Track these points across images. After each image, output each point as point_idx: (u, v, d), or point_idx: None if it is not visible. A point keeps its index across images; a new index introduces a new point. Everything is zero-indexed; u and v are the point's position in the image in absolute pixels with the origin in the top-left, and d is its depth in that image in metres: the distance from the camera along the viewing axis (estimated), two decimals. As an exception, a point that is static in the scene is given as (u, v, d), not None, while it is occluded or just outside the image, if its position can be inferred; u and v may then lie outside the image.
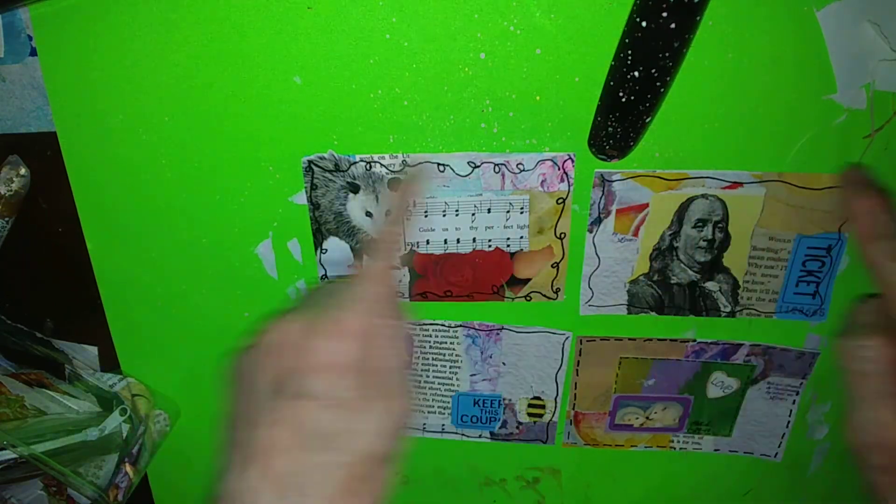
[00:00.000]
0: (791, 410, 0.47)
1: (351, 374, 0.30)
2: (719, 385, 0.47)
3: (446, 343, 0.47)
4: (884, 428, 0.32)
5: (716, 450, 0.50)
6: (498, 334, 0.46)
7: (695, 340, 0.45)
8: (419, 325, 0.47)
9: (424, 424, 0.51)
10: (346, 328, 0.31)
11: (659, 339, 0.46)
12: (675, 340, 0.46)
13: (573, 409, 0.49)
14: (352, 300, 0.32)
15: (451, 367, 0.48)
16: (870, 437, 0.33)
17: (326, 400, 0.30)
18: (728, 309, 0.44)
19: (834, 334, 0.44)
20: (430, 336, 0.47)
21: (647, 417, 0.49)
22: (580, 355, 0.47)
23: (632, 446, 0.50)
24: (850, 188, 0.37)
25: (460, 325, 0.46)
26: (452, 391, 0.49)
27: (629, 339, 0.46)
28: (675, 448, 0.50)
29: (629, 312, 0.45)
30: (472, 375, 0.48)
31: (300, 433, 0.29)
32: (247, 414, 0.32)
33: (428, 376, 0.49)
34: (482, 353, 0.47)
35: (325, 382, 0.30)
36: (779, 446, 0.49)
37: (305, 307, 0.33)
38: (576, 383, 0.48)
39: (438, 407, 0.50)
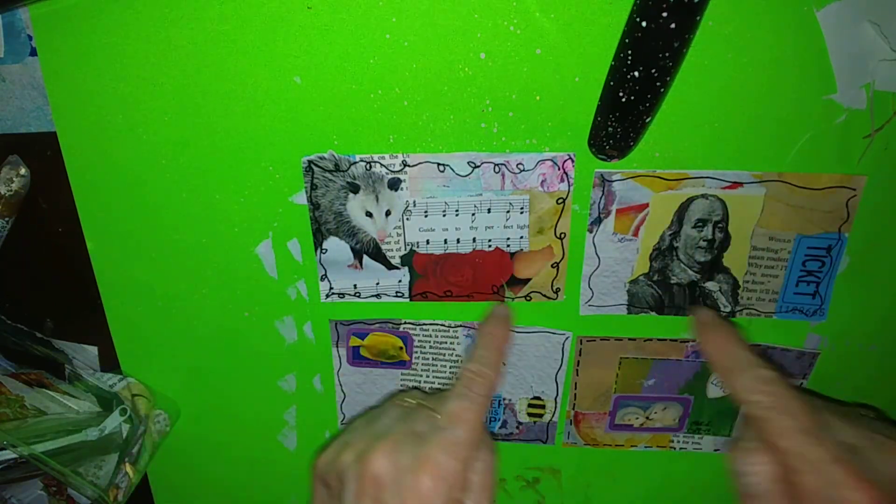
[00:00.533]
0: None
1: None
2: (719, 385, 0.47)
3: (446, 343, 0.47)
4: None
5: (716, 450, 0.50)
6: None
7: (695, 340, 0.45)
8: (418, 325, 0.47)
9: None
10: (441, 469, 0.32)
11: (659, 339, 0.46)
12: (675, 340, 0.46)
13: (573, 409, 0.49)
14: (443, 441, 0.33)
15: (451, 368, 0.48)
16: None
17: None
18: (728, 309, 0.44)
19: (834, 334, 0.44)
20: (430, 336, 0.47)
21: (647, 417, 0.49)
22: (580, 355, 0.47)
23: (632, 446, 0.50)
24: (700, 327, 0.38)
25: (460, 325, 0.46)
26: None
27: (629, 339, 0.46)
28: (675, 448, 0.50)
29: (629, 312, 0.45)
30: None
31: None
32: None
33: (428, 376, 0.49)
34: None
35: None
36: None
37: (387, 433, 0.35)
38: (576, 383, 0.48)
39: None
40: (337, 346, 0.48)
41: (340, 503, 0.34)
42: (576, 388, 0.48)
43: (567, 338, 0.46)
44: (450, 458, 0.32)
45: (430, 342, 0.47)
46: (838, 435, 0.32)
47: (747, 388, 0.34)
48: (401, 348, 0.48)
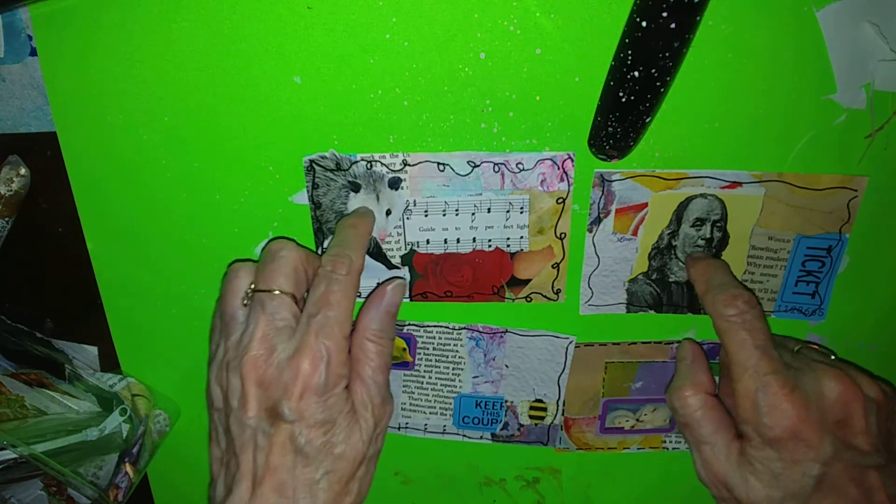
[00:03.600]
0: None
1: (330, 393, 0.34)
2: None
3: (450, 345, 0.47)
4: (709, 466, 0.38)
5: None
6: (502, 337, 0.46)
7: (680, 342, 0.45)
8: (423, 326, 0.47)
9: (426, 425, 0.51)
10: (316, 351, 0.34)
11: (643, 343, 0.46)
12: (660, 343, 0.46)
13: (562, 414, 0.49)
14: (314, 325, 0.35)
15: (453, 369, 0.48)
16: (704, 476, 0.39)
17: (312, 420, 0.34)
18: (728, 308, 0.44)
19: (834, 334, 0.44)
20: (434, 338, 0.47)
21: (638, 420, 0.49)
22: None
23: (624, 448, 0.50)
24: (691, 261, 0.42)
25: (464, 328, 0.46)
26: (455, 393, 0.49)
27: (613, 343, 0.46)
28: (667, 448, 0.50)
29: (628, 311, 0.45)
30: (474, 377, 0.48)
31: (291, 452, 0.34)
32: (240, 439, 0.35)
33: (431, 378, 0.49)
34: (485, 355, 0.47)
35: (309, 405, 0.34)
36: None
37: (254, 333, 0.35)
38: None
39: (440, 408, 0.50)
40: None
41: (228, 419, 0.36)
42: (564, 394, 0.48)
43: (570, 342, 0.46)
44: (323, 339, 0.34)
45: (433, 344, 0.47)
46: (784, 356, 0.37)
47: (721, 301, 0.37)
48: (404, 349, 0.48)
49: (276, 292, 0.35)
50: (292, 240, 0.39)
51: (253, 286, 0.37)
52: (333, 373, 0.34)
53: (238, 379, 0.35)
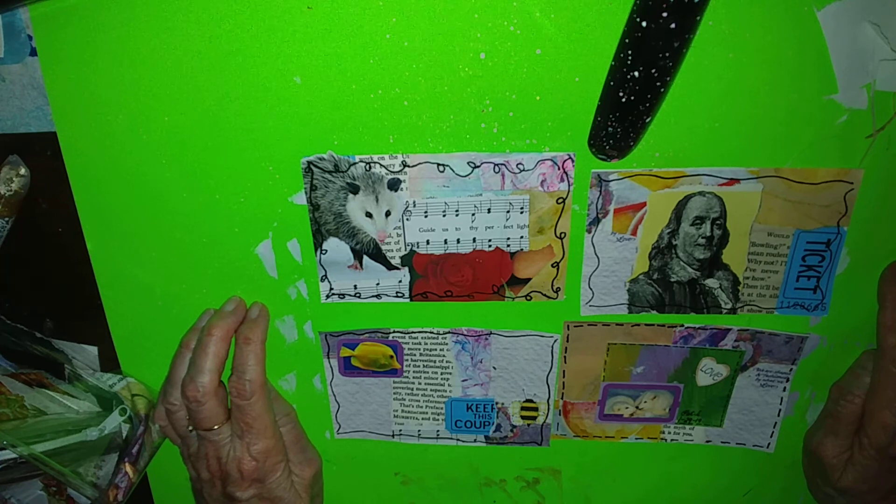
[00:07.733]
0: (782, 398, 0.47)
1: (269, 480, 0.44)
2: (709, 372, 0.47)
3: (436, 350, 0.47)
4: (824, 447, 0.45)
5: (707, 441, 0.49)
6: (487, 339, 0.46)
7: (682, 325, 0.45)
8: (408, 333, 0.47)
9: (419, 431, 0.51)
10: (251, 460, 0.43)
11: (647, 325, 0.45)
12: (664, 326, 0.45)
13: (562, 398, 0.49)
14: (243, 443, 0.43)
15: (442, 374, 0.48)
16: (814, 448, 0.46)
17: (257, 497, 0.44)
18: (729, 306, 0.44)
19: (834, 334, 0.44)
20: (420, 344, 0.47)
21: (637, 407, 0.49)
22: (568, 341, 0.46)
23: (622, 438, 0.50)
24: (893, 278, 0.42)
25: (449, 332, 0.46)
26: (445, 397, 0.49)
27: (616, 324, 0.46)
28: (665, 440, 0.50)
29: (630, 312, 0.45)
30: (463, 381, 0.48)
31: None
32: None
33: (420, 383, 0.49)
34: (472, 358, 0.47)
35: (254, 491, 0.43)
36: (771, 436, 0.49)
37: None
38: (564, 371, 0.48)
39: (432, 413, 0.50)
40: (328, 358, 0.48)
41: (202, 483, 0.45)
42: (564, 377, 0.48)
43: (555, 340, 0.46)
44: (254, 450, 0.42)
45: (420, 349, 0.47)
46: None
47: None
48: (391, 357, 0.48)
49: (215, 428, 0.42)
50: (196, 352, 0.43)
51: (191, 428, 0.44)
52: (266, 468, 0.43)
53: (207, 473, 0.44)
